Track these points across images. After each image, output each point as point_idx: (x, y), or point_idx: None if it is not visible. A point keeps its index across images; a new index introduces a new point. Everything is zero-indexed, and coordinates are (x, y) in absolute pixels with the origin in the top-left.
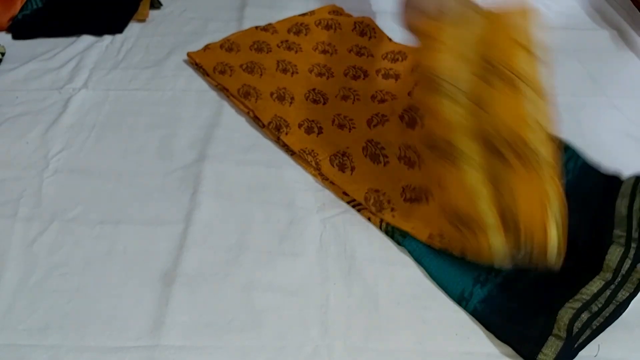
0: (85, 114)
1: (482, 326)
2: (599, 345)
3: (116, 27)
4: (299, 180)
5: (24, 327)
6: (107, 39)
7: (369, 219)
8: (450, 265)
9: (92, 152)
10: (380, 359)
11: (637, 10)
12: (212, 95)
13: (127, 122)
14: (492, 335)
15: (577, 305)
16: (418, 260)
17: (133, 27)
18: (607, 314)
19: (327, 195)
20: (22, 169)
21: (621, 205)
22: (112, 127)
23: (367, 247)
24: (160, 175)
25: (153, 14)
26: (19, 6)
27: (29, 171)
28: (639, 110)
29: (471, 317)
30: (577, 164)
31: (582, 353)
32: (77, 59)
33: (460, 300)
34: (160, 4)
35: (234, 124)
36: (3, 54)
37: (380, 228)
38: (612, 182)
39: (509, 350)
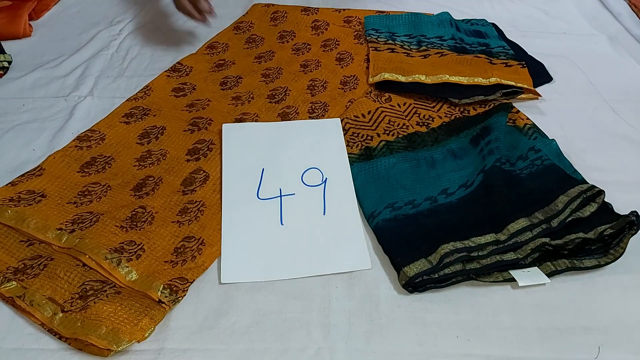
0: (91, 121)
1: (481, 327)
2: (599, 348)
3: None
4: None
5: (29, 331)
6: (112, 47)
7: None
8: (375, 190)
9: None
10: None
11: (635, 15)
12: None
13: None
14: (492, 337)
15: (459, 246)
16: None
17: (138, 36)
18: (486, 263)
19: None
20: None
21: (560, 201)
22: None
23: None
24: None
25: (157, 22)
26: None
27: None
28: (637, 113)
29: (472, 319)
30: (543, 163)
31: (582, 356)
32: (83, 67)
33: (369, 217)
34: None
35: None
36: (10, 62)
37: None
38: (569, 181)
39: (509, 352)
